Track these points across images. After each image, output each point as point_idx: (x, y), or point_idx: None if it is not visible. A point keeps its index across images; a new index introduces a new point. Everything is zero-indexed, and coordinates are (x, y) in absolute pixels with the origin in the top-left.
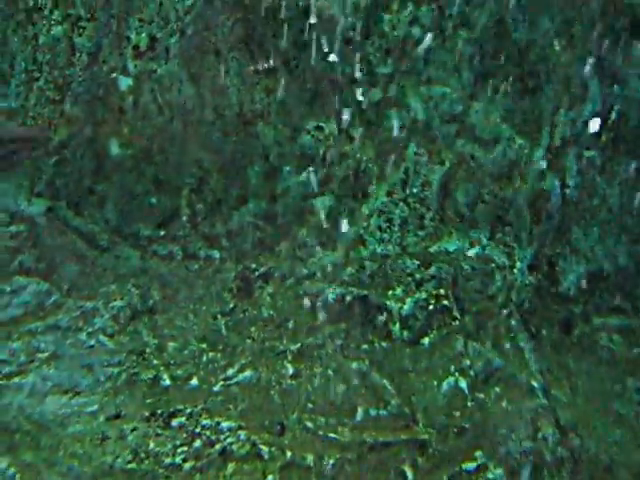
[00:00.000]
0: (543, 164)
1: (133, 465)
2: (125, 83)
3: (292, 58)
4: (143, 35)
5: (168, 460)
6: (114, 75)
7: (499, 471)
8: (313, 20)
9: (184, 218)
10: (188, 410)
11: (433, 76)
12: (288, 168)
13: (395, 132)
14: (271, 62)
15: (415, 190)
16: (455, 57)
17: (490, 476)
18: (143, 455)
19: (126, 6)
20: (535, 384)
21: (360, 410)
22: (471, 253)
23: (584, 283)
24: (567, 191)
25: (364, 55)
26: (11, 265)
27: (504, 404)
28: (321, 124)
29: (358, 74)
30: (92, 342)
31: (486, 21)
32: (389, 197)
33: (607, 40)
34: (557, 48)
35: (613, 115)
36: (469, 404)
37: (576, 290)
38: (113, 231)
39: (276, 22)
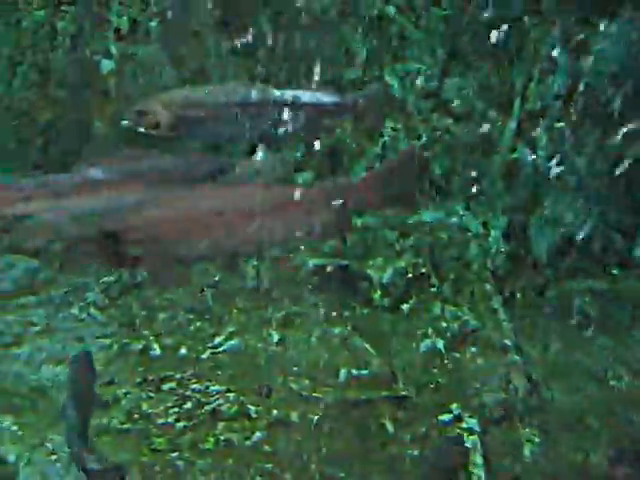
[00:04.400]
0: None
1: (128, 425)
2: (107, 66)
3: (270, 38)
4: (124, 18)
5: (161, 420)
6: (97, 58)
7: (473, 421)
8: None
9: None
10: (178, 376)
11: (408, 54)
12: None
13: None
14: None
15: None
16: (428, 35)
17: (465, 426)
18: (137, 416)
19: None
20: (508, 343)
21: (342, 371)
22: (448, 223)
23: (556, 248)
24: (538, 161)
25: (341, 34)
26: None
27: (479, 361)
28: None
29: (335, 53)
30: (83, 315)
31: None
32: (368, 172)
33: (575, 16)
34: (527, 24)
35: (581, 88)
36: (446, 362)
37: (548, 255)
38: None
39: (254, 2)
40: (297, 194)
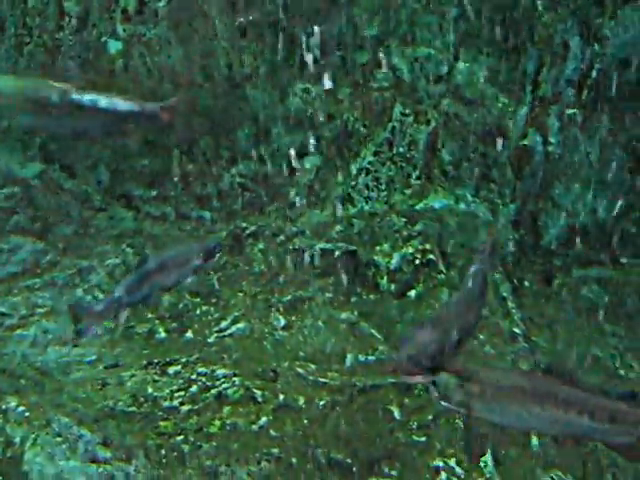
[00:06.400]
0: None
1: (133, 408)
2: (115, 47)
3: (280, 21)
4: None
5: (166, 404)
6: (104, 39)
7: None
8: None
9: (175, 179)
10: (183, 359)
11: (418, 38)
12: (277, 130)
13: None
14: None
15: (401, 149)
16: (440, 19)
17: None
18: (142, 399)
19: None
20: (517, 331)
21: (349, 357)
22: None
23: (565, 237)
24: (549, 148)
25: (350, 17)
26: (7, 225)
27: (487, 349)
28: (309, 86)
29: (344, 36)
30: (88, 298)
31: None
32: (376, 157)
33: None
34: (540, 8)
35: (594, 73)
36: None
37: (557, 243)
38: (106, 192)
39: None
40: None
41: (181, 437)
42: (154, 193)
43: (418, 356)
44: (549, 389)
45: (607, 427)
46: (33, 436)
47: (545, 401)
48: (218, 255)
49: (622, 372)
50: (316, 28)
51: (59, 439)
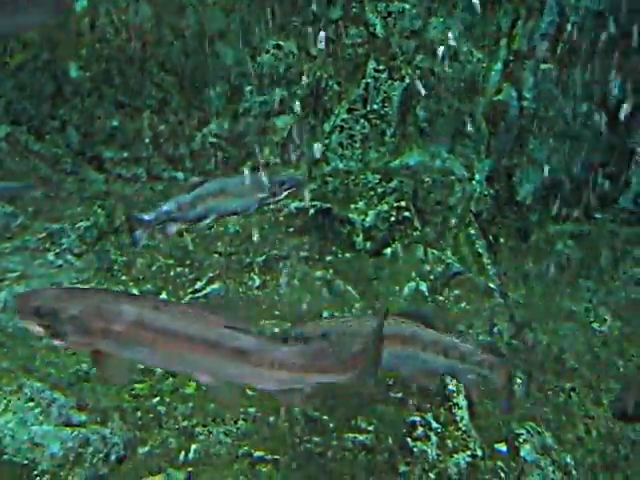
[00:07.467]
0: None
1: None
2: (80, 4)
3: None
4: None
5: (141, 366)
6: None
7: None
8: None
9: (147, 140)
10: None
11: None
12: (249, 88)
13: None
14: None
15: (376, 106)
16: None
17: None
18: None
19: None
20: (492, 286)
21: (325, 314)
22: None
23: (540, 192)
24: (524, 103)
25: None
26: None
27: (463, 304)
28: (280, 43)
29: None
30: (60, 262)
31: None
32: (350, 114)
33: None
34: None
35: (569, 27)
36: (429, 305)
37: (532, 199)
38: (76, 155)
39: None
40: None
41: (157, 399)
42: (125, 155)
43: None
44: (411, 332)
45: (458, 365)
46: (5, 401)
47: (406, 342)
48: (287, 192)
49: (596, 325)
50: None
51: (31, 404)
